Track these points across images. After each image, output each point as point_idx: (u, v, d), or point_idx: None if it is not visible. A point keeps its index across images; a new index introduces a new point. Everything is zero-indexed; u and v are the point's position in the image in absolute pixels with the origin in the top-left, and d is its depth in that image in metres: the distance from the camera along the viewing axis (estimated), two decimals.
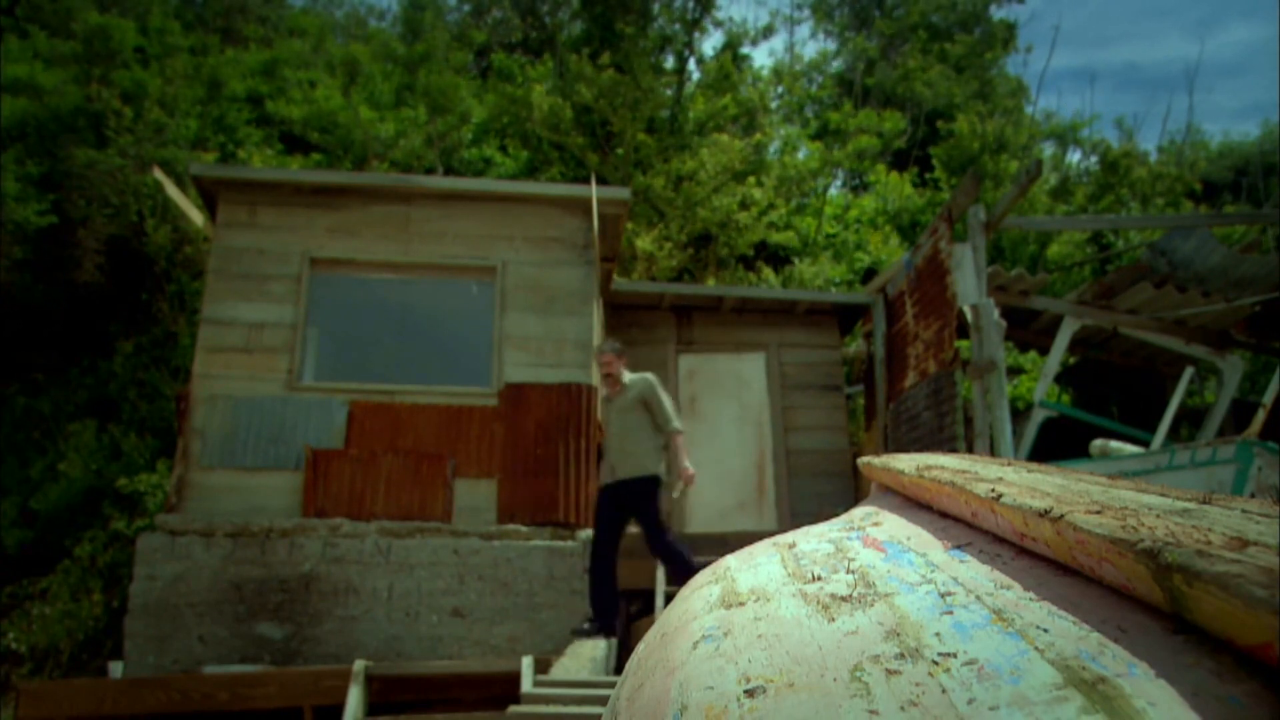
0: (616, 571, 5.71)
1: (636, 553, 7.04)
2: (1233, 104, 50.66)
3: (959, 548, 1.02)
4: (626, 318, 9.44)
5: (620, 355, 5.91)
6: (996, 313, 7.07)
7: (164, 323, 10.70)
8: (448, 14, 20.75)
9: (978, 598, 0.84)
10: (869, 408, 10.07)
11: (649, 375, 5.92)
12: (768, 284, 13.45)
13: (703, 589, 1.23)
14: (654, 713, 0.93)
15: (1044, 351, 10.00)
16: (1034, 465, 1.35)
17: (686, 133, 14.76)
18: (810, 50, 23.42)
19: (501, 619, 6.44)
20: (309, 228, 7.44)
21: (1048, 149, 18.69)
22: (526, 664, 4.90)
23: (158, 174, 8.09)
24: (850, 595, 0.94)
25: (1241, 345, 8.89)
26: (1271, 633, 0.56)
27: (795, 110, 19.75)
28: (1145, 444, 7.68)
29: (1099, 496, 0.93)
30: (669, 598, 6.26)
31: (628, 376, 5.88)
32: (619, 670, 5.88)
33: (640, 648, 1.24)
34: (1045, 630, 0.73)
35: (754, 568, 1.19)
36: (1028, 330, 9.63)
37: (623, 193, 7.97)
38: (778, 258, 14.60)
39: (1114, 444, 6.98)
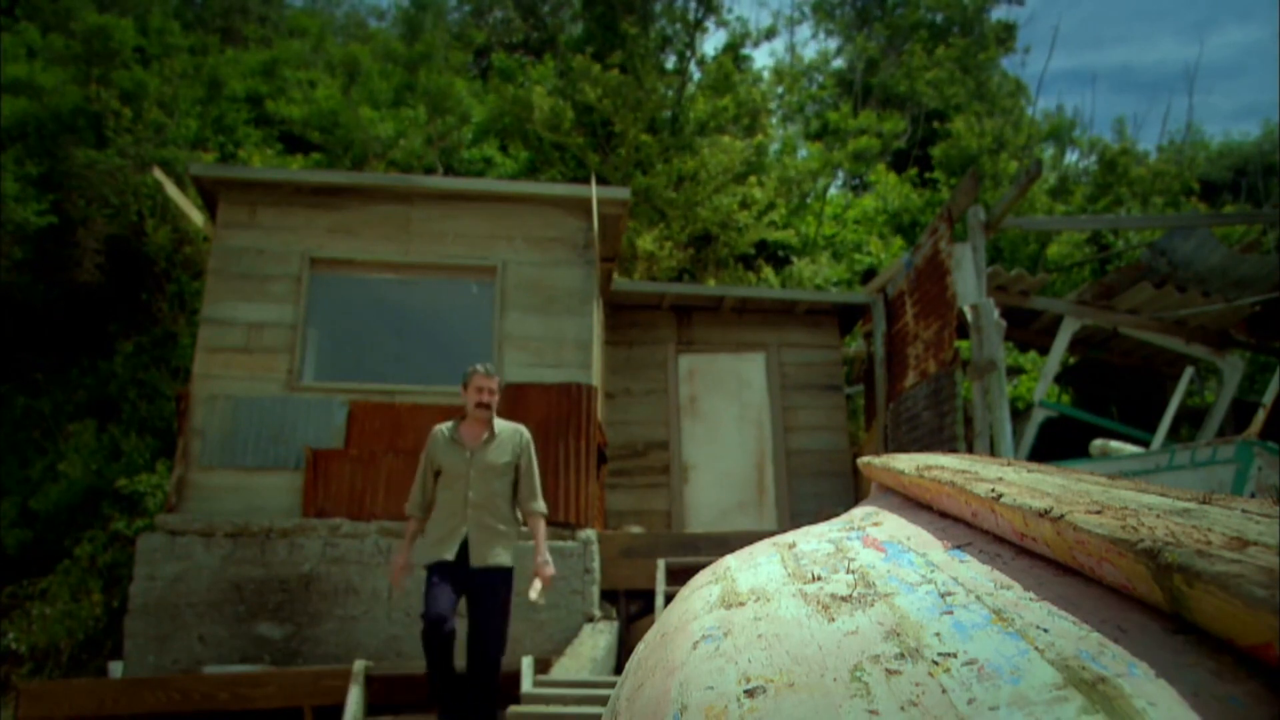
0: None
1: (637, 552, 7.05)
2: (1228, 106, 50.73)
3: (959, 548, 1.02)
4: (626, 318, 9.44)
5: (501, 388, 4.63)
6: (996, 313, 7.07)
7: (164, 323, 10.70)
8: (448, 14, 20.75)
9: (978, 598, 0.84)
10: (869, 408, 10.07)
11: (525, 429, 4.64)
12: (768, 284, 13.45)
13: (703, 589, 1.23)
14: (654, 713, 0.93)
15: (1044, 351, 10.00)
16: (1034, 465, 1.35)
17: (687, 133, 14.76)
18: (811, 50, 23.43)
19: None
20: (309, 228, 7.44)
21: (1047, 149, 18.70)
22: (526, 664, 4.90)
23: (158, 174, 8.09)
24: (850, 595, 0.94)
25: (1241, 345, 8.89)
26: (1271, 633, 0.56)
27: (796, 110, 19.76)
28: (1145, 444, 7.69)
29: (1099, 496, 0.93)
30: (669, 598, 6.27)
31: (498, 422, 4.53)
32: (619, 670, 5.89)
33: (640, 648, 1.24)
34: (1045, 630, 0.73)
35: (754, 568, 1.19)
36: (1028, 330, 9.63)
37: (623, 193, 7.97)
38: (778, 258, 14.61)
39: (1114, 444, 6.99)
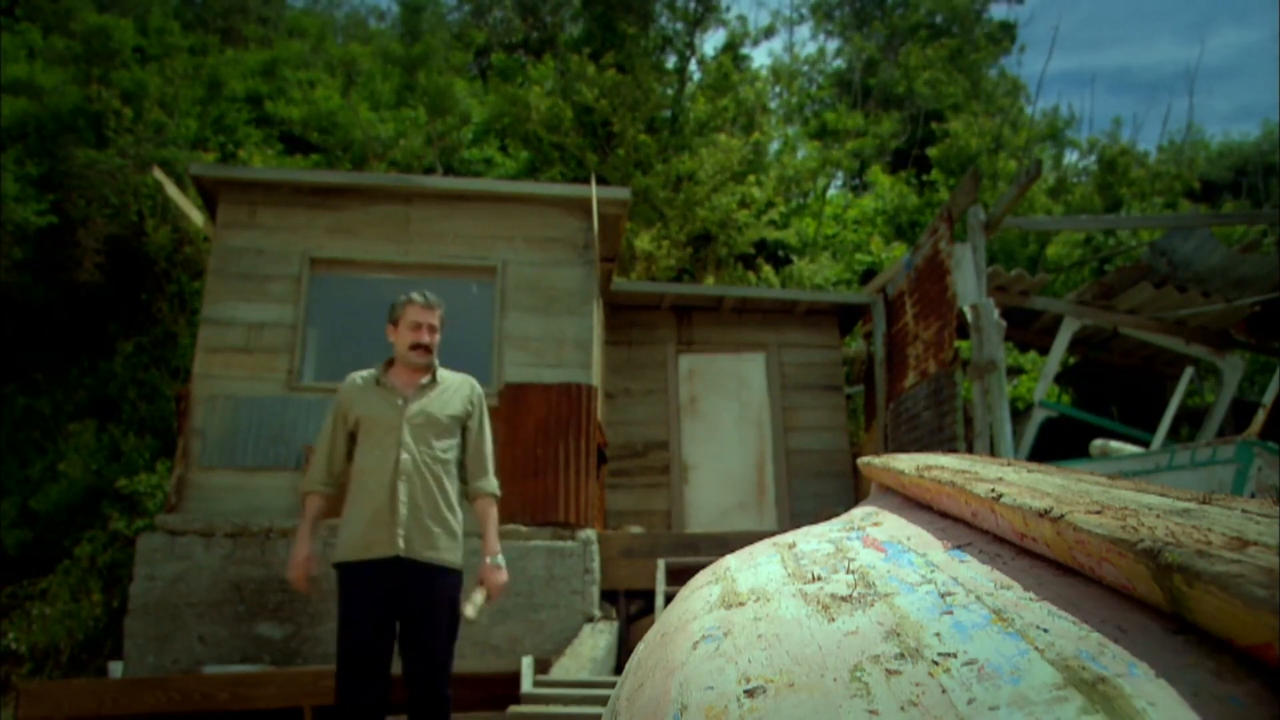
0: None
1: (637, 552, 7.05)
2: (1226, 107, 50.96)
3: (959, 548, 1.02)
4: (626, 318, 9.44)
5: (444, 324, 3.41)
6: (996, 313, 7.07)
7: (164, 323, 10.70)
8: (447, 14, 20.77)
9: (978, 598, 0.84)
10: (869, 408, 10.07)
11: (476, 382, 3.48)
12: (767, 283, 13.46)
13: (703, 589, 1.23)
14: (654, 713, 0.93)
15: (1044, 351, 10.00)
16: (1034, 465, 1.35)
17: (686, 133, 14.76)
18: (810, 50, 23.48)
19: (501, 619, 6.44)
20: (309, 228, 7.44)
21: (1046, 149, 18.71)
22: (526, 664, 4.90)
23: (158, 174, 8.09)
24: (850, 595, 0.94)
25: (1241, 345, 8.89)
26: (1271, 633, 0.56)
27: (795, 110, 19.77)
28: (1145, 444, 7.69)
29: (1099, 496, 0.93)
30: (669, 598, 6.26)
31: (443, 371, 3.41)
32: (619, 670, 5.88)
33: (640, 648, 1.24)
34: (1045, 630, 0.73)
35: (754, 568, 1.19)
36: (1028, 330, 9.63)
37: (623, 193, 7.98)
38: (777, 257, 14.62)
39: (1114, 444, 6.99)
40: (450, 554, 3.20)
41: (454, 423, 3.31)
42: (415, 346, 3.29)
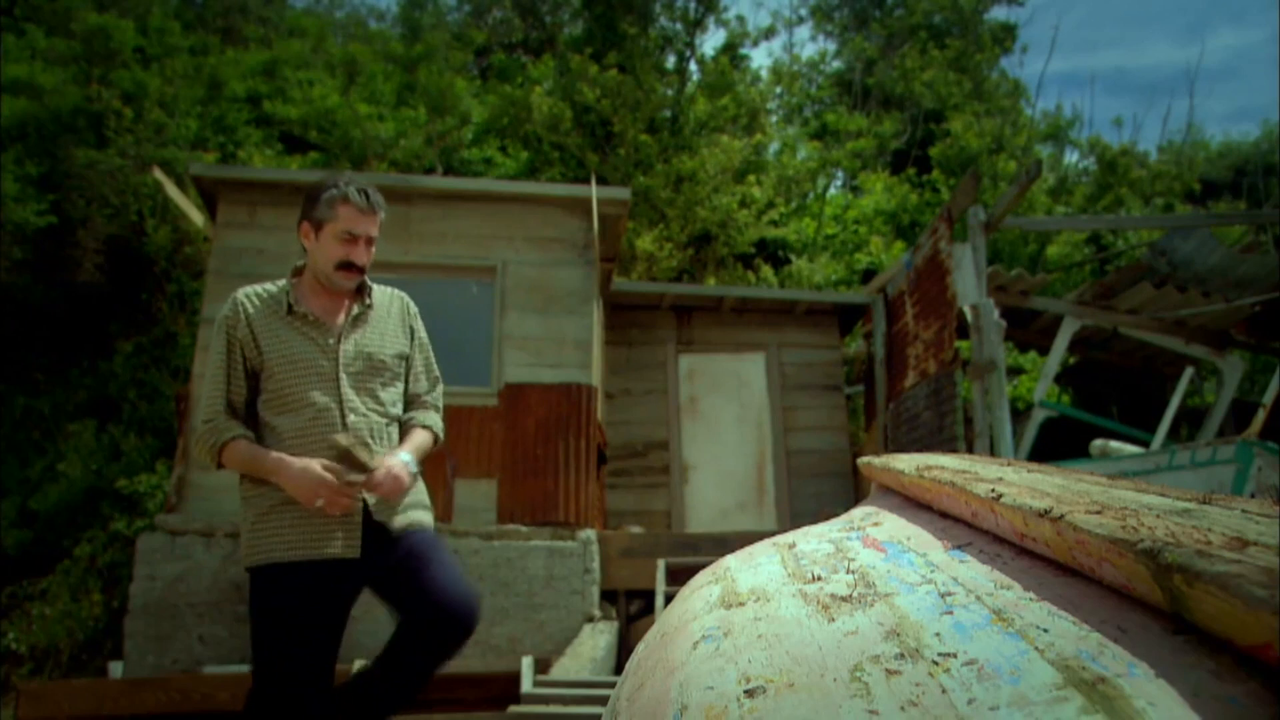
0: None
1: (637, 552, 7.05)
2: (1223, 108, 51.06)
3: (959, 548, 1.02)
4: (626, 318, 9.44)
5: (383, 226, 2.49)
6: (996, 313, 7.07)
7: (164, 323, 10.70)
8: (448, 14, 20.77)
9: (978, 598, 0.84)
10: (869, 408, 10.07)
11: (404, 295, 2.66)
12: (767, 283, 13.46)
13: (703, 589, 1.23)
14: (654, 713, 0.93)
15: (1044, 351, 10.00)
16: (1034, 465, 1.35)
17: (687, 133, 14.76)
18: (810, 50, 23.50)
19: (501, 619, 6.44)
20: None
21: (1046, 149, 18.71)
22: (526, 664, 4.90)
23: (158, 174, 8.09)
24: (850, 595, 0.94)
25: (1241, 345, 8.89)
26: (1271, 633, 0.56)
27: (795, 110, 19.77)
28: (1145, 444, 7.69)
29: (1099, 496, 0.93)
30: (669, 598, 6.26)
31: (379, 289, 2.57)
32: (619, 670, 5.88)
33: (640, 648, 1.24)
34: (1045, 630, 0.73)
35: (754, 568, 1.19)
36: (1028, 330, 9.63)
37: (623, 193, 7.97)
38: (777, 257, 14.62)
39: (1114, 444, 6.99)
40: (423, 516, 2.45)
41: (398, 363, 2.47)
42: (345, 266, 2.37)
